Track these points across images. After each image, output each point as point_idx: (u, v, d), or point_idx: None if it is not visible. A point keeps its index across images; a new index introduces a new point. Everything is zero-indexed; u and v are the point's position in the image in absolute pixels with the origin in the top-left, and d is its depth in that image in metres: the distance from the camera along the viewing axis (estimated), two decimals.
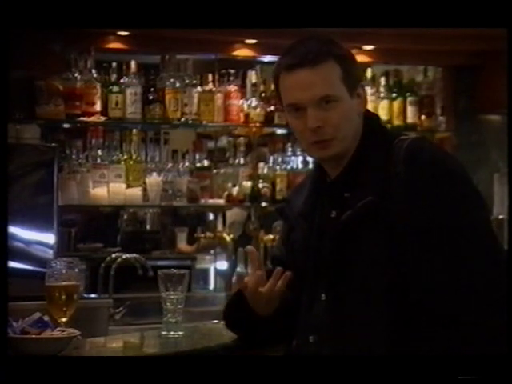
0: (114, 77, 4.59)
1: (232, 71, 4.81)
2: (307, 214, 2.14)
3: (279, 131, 5.16)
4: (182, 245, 5.60)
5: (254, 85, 4.83)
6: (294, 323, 2.13)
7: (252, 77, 4.84)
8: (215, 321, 2.44)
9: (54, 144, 4.21)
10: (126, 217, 5.76)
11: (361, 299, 1.99)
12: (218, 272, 5.19)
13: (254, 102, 4.80)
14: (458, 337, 1.88)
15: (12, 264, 3.23)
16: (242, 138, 4.98)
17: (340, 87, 2.03)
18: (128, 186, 4.56)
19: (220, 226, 5.42)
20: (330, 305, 2.04)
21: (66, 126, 4.71)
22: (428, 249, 1.92)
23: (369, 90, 4.67)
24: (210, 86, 4.73)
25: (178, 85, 4.62)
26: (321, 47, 2.04)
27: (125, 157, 4.59)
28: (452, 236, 1.92)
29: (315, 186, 2.17)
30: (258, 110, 4.80)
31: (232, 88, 4.77)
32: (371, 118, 2.14)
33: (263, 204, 4.84)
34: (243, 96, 4.81)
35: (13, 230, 3.49)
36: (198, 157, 4.83)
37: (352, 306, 2.00)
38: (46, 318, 2.09)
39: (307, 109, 2.03)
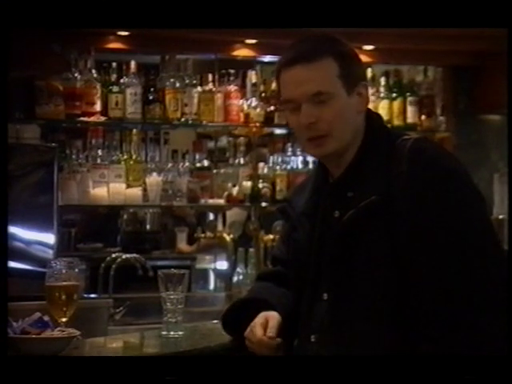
0: (114, 77, 4.58)
1: (232, 71, 4.81)
2: (310, 214, 2.14)
3: (279, 131, 5.16)
4: (182, 245, 5.60)
5: (254, 85, 4.83)
6: (297, 325, 2.14)
7: (252, 77, 4.84)
8: (215, 321, 2.44)
9: (54, 144, 4.21)
10: (125, 217, 5.77)
11: (362, 299, 1.98)
12: (217, 272, 5.19)
13: (253, 102, 4.80)
14: (459, 337, 1.88)
15: (12, 264, 3.23)
16: (241, 138, 4.98)
17: (336, 84, 2.03)
18: (128, 186, 4.56)
19: (220, 226, 5.42)
20: (331, 304, 2.04)
21: (65, 125, 4.71)
22: (430, 248, 1.92)
23: (369, 90, 4.66)
24: (210, 86, 4.73)
25: (177, 85, 4.62)
26: (319, 44, 2.05)
27: (125, 157, 4.59)
28: (454, 236, 1.92)
29: (317, 185, 2.17)
30: (258, 109, 4.79)
31: (232, 88, 4.77)
32: (374, 118, 2.14)
33: (263, 204, 4.84)
34: (243, 96, 4.81)
35: (13, 229, 3.49)
36: (197, 157, 4.82)
37: (354, 306, 2.00)
38: (46, 318, 2.09)
39: (302, 105, 2.04)
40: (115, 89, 4.55)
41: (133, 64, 4.59)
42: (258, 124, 4.83)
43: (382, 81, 5.08)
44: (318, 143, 2.06)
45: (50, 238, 3.72)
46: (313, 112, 2.03)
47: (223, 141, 5.53)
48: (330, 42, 2.07)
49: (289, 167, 4.96)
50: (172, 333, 2.38)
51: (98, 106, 4.50)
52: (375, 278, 1.97)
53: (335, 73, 2.04)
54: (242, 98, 4.79)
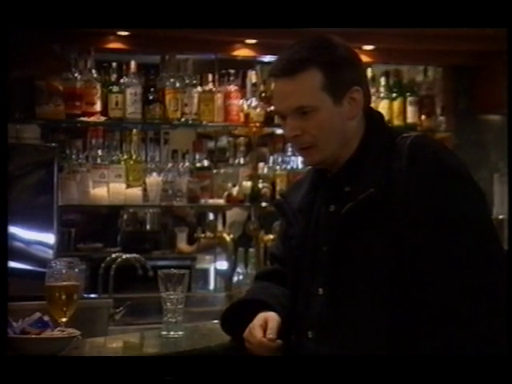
0: (114, 77, 4.58)
1: (232, 71, 4.81)
2: (305, 209, 2.14)
3: (279, 131, 5.14)
4: (182, 245, 5.60)
5: (254, 85, 4.83)
6: (293, 320, 2.13)
7: (252, 77, 4.84)
8: (215, 321, 2.44)
9: (54, 144, 4.21)
10: (125, 217, 5.77)
11: (359, 294, 1.98)
12: (217, 272, 5.19)
13: (253, 102, 4.80)
14: (457, 334, 1.88)
15: (12, 264, 3.23)
16: (242, 138, 4.98)
17: (319, 96, 2.02)
18: (128, 186, 4.56)
19: (220, 226, 5.42)
20: (327, 299, 2.04)
21: (65, 125, 4.71)
22: (428, 244, 1.92)
23: (367, 92, 4.66)
24: (210, 86, 4.73)
25: (177, 85, 4.62)
26: (303, 55, 2.03)
27: (125, 157, 4.59)
28: (452, 232, 1.92)
29: (315, 182, 2.17)
30: (258, 110, 4.79)
31: (232, 88, 4.77)
32: (375, 117, 2.14)
33: (263, 204, 4.83)
34: (243, 96, 4.81)
35: (13, 229, 3.49)
36: (197, 157, 4.82)
37: (350, 301, 2.00)
38: (46, 318, 2.09)
39: (287, 117, 2.05)
40: (115, 89, 4.55)
41: (133, 64, 4.59)
42: (257, 124, 4.83)
43: (382, 81, 5.08)
44: (305, 153, 2.09)
45: (50, 237, 3.73)
46: (297, 125, 2.04)
47: (223, 141, 5.52)
48: (317, 50, 2.04)
49: (289, 167, 4.96)
50: (172, 333, 2.38)
51: (98, 106, 4.50)
52: (372, 272, 1.97)
53: (319, 85, 2.02)
54: (242, 98, 4.79)
